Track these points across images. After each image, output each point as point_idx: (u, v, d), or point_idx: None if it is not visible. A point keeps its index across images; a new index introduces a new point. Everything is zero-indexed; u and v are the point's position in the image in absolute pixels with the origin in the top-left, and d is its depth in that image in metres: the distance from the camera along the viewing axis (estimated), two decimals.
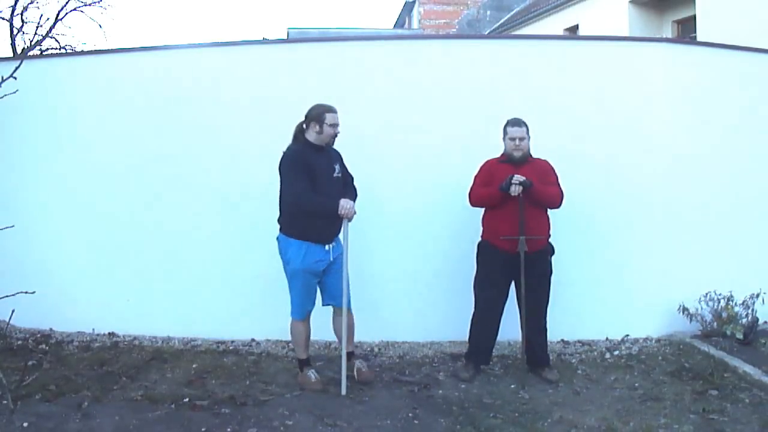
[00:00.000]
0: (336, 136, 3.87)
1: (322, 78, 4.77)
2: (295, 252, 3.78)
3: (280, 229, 3.89)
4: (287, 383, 3.99)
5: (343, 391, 3.82)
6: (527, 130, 4.06)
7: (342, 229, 3.86)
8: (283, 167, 3.79)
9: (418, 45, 5.17)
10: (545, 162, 4.16)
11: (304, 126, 3.86)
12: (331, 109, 3.83)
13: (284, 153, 3.83)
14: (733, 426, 3.35)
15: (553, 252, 4.14)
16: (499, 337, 4.66)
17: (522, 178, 3.87)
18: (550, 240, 4.12)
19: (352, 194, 3.96)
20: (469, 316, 4.76)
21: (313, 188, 3.73)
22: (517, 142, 4.02)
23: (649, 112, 4.79)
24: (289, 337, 4.71)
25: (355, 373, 3.99)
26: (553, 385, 3.96)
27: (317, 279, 3.89)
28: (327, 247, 3.84)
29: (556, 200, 4.04)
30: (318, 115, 3.80)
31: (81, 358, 4.42)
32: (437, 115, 4.75)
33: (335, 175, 3.89)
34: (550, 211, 4.10)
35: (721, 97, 4.97)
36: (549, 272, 4.11)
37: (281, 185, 3.82)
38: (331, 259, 3.88)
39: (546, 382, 3.98)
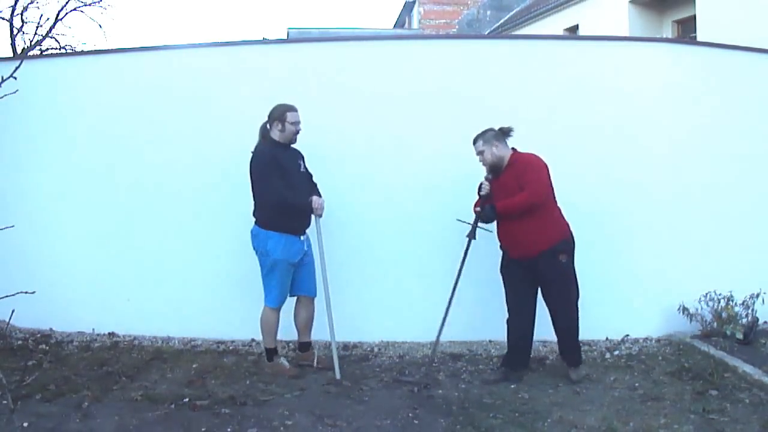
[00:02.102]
0: (298, 133, 4.09)
1: (322, 78, 4.77)
2: (276, 243, 3.99)
3: (256, 223, 4.10)
4: (287, 383, 3.99)
5: (338, 376, 4.02)
6: (483, 142, 3.96)
7: (314, 223, 4.11)
8: (256, 167, 4.00)
9: (418, 45, 5.17)
10: (526, 159, 3.91)
11: (268, 126, 4.08)
12: (291, 108, 4.06)
13: (254, 153, 4.05)
14: (733, 426, 3.35)
15: (565, 252, 3.89)
16: (497, 337, 4.68)
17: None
18: (561, 240, 3.90)
19: (318, 191, 4.21)
20: (469, 317, 4.78)
21: (285, 183, 3.96)
22: (479, 158, 4.02)
23: (648, 112, 4.79)
24: (289, 337, 4.74)
25: (316, 361, 4.27)
26: (554, 385, 3.97)
27: (293, 269, 4.10)
28: (302, 237, 4.11)
29: (521, 207, 3.80)
30: (280, 114, 4.03)
31: (81, 358, 4.43)
32: (438, 114, 4.75)
33: (301, 170, 4.16)
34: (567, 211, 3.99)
35: (721, 97, 4.97)
36: (560, 274, 3.90)
37: (257, 184, 4.02)
38: (305, 249, 4.14)
39: (563, 383, 3.96)
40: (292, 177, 4.02)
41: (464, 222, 4.09)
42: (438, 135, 4.75)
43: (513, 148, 4.01)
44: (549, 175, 3.90)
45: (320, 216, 4.07)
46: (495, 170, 3.98)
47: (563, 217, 3.99)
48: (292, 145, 4.16)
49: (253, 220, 4.12)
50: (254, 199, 4.10)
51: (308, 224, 4.13)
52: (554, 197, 3.97)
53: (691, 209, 4.88)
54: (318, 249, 4.14)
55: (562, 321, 3.99)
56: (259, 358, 4.45)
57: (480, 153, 4.00)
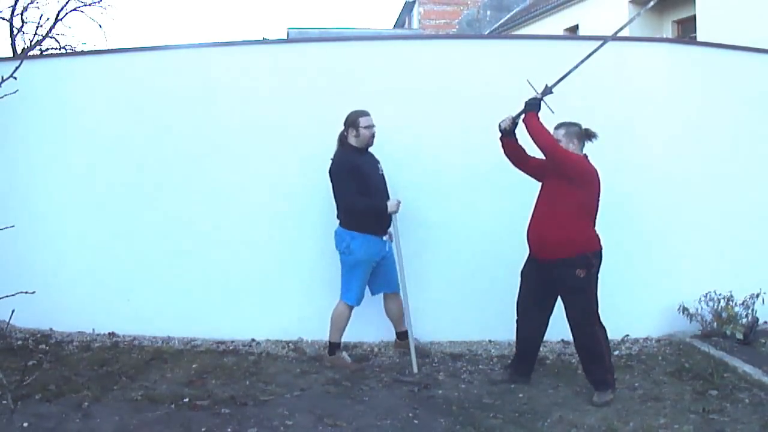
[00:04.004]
0: (373, 136, 4.25)
1: (321, 78, 4.77)
2: (359, 243, 4.19)
3: (340, 224, 4.28)
4: (287, 383, 3.99)
5: (415, 369, 4.17)
6: (564, 133, 3.79)
7: (392, 222, 4.26)
8: (334, 172, 4.22)
9: (419, 45, 5.17)
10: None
11: (345, 133, 4.27)
12: (363, 113, 4.24)
13: (333, 159, 4.25)
14: (733, 426, 3.35)
15: (585, 267, 3.66)
16: (497, 337, 4.68)
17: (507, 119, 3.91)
18: (583, 254, 3.66)
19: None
20: (469, 317, 4.78)
21: (366, 187, 4.17)
22: None
23: (648, 113, 4.79)
24: (288, 337, 4.75)
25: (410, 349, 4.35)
26: (554, 385, 3.96)
27: (373, 268, 4.28)
28: (384, 238, 4.28)
29: (544, 137, 3.68)
30: (353, 120, 4.23)
31: (81, 358, 4.42)
32: (437, 115, 4.75)
33: (380, 173, 4.34)
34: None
35: (721, 97, 4.97)
36: (574, 287, 3.69)
37: (335, 188, 4.24)
38: (387, 249, 4.33)
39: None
40: (372, 180, 4.22)
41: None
42: (439, 134, 4.75)
43: (585, 155, 3.86)
44: (587, 181, 3.72)
45: (396, 213, 4.21)
46: None
47: (594, 233, 3.78)
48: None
49: (337, 222, 4.30)
50: (336, 203, 4.28)
51: (389, 225, 4.29)
52: (593, 212, 3.78)
53: (690, 209, 4.88)
54: (396, 247, 4.29)
55: (577, 338, 3.81)
56: (259, 358, 4.45)
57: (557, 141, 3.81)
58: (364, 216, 4.20)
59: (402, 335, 4.53)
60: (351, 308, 4.30)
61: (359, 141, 4.23)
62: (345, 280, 4.29)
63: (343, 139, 4.28)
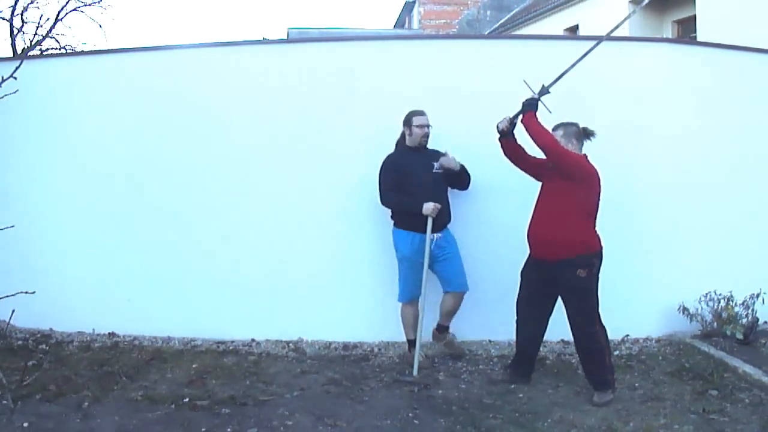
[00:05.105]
0: (426, 136, 4.26)
1: (322, 78, 4.77)
2: (403, 241, 4.23)
3: (393, 224, 4.33)
4: (287, 383, 3.99)
5: (415, 372, 4.07)
6: (562, 134, 3.79)
7: (428, 224, 4.15)
8: (379, 171, 4.29)
9: (419, 45, 5.17)
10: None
11: (403, 132, 4.32)
12: (417, 113, 4.26)
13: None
14: (733, 426, 3.35)
15: (586, 267, 3.65)
16: (497, 337, 4.68)
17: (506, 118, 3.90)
18: (584, 254, 3.66)
19: (463, 183, 4.41)
20: (469, 317, 4.77)
21: (405, 185, 4.18)
22: None
23: (648, 113, 4.79)
24: (289, 338, 4.75)
25: (446, 345, 4.46)
26: (554, 385, 3.96)
27: (422, 267, 4.16)
28: (434, 237, 4.18)
29: (544, 136, 3.68)
30: (407, 120, 4.27)
31: (81, 358, 4.42)
32: (437, 115, 4.74)
33: (434, 171, 4.26)
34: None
35: (721, 97, 4.96)
36: (576, 288, 3.68)
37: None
38: (442, 245, 4.25)
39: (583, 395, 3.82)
40: (416, 178, 4.18)
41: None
42: (439, 134, 4.74)
43: (585, 155, 3.84)
44: (588, 181, 3.71)
45: (433, 217, 4.12)
46: None
47: (595, 233, 3.77)
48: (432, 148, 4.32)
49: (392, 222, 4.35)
50: None
51: (438, 224, 4.20)
52: (593, 212, 3.77)
53: (690, 209, 4.87)
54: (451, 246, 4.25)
55: (578, 338, 3.80)
56: (259, 358, 4.45)
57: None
58: (397, 212, 4.26)
59: (440, 329, 4.44)
60: (408, 306, 4.28)
61: (411, 140, 4.26)
62: (399, 278, 4.30)
63: (400, 138, 4.32)
